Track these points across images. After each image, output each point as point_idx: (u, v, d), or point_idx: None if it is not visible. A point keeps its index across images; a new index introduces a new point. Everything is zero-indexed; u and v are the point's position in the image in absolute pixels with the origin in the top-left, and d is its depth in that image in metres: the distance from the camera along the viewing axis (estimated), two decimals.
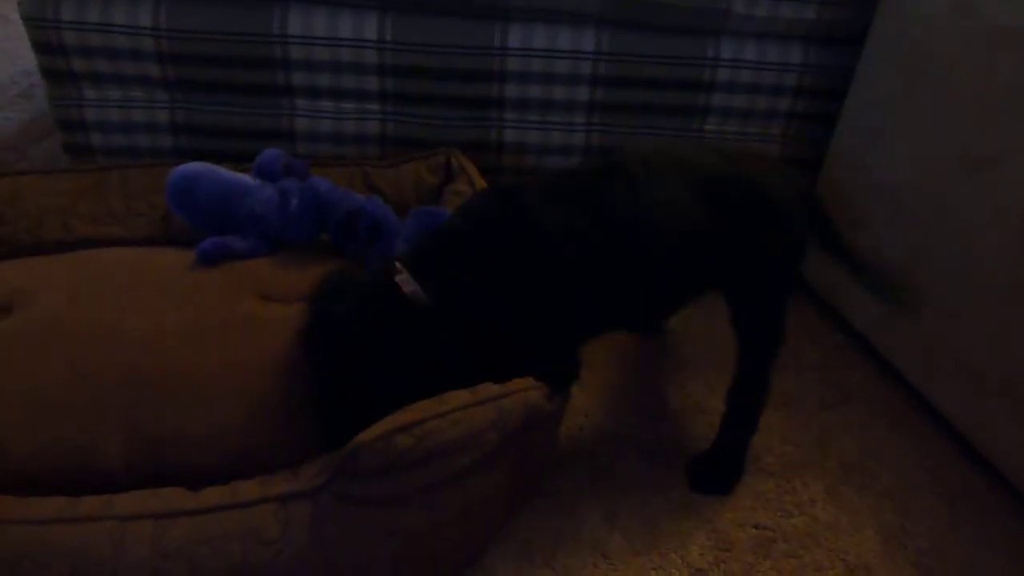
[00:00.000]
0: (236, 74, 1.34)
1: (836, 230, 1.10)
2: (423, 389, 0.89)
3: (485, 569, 0.98)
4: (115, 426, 0.91)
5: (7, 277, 1.04)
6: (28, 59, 1.76)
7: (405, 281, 0.91)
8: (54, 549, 0.79)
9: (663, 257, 0.97)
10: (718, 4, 1.31)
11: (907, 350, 1.26)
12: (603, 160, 1.01)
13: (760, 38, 1.37)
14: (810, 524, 1.07)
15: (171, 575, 0.80)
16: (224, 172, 1.16)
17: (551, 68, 1.36)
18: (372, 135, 1.41)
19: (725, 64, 1.38)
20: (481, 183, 1.21)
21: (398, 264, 0.93)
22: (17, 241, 1.14)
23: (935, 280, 1.17)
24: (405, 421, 0.84)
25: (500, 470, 0.91)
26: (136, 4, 1.30)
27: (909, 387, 1.26)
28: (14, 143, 1.66)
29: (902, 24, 1.19)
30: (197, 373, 0.94)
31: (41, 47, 1.32)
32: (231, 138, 1.40)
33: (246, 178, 1.17)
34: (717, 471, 1.10)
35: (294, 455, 0.92)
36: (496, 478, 0.91)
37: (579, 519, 1.05)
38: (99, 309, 0.98)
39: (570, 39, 1.34)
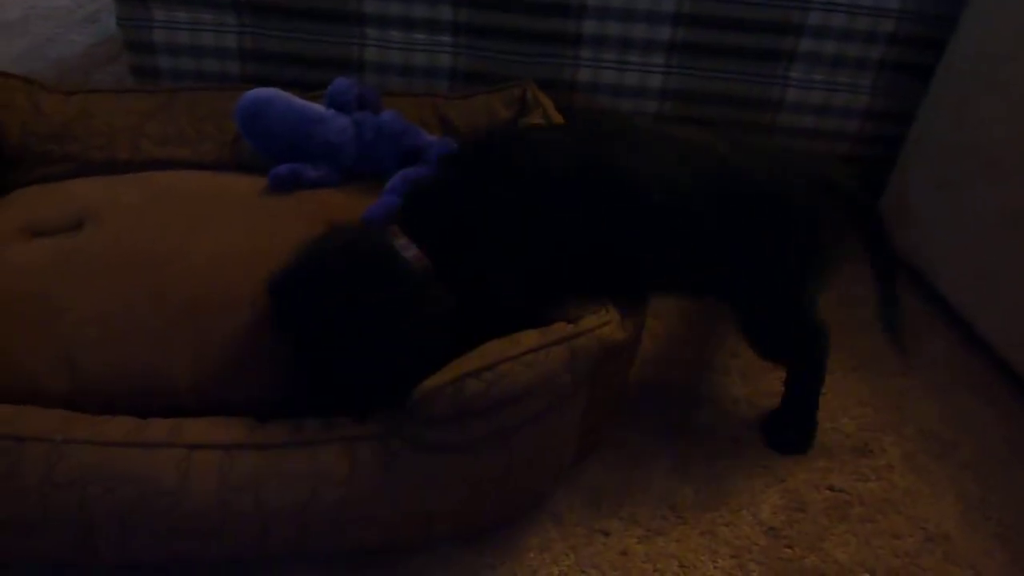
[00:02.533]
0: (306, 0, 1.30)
1: (884, 240, 1.02)
2: (428, 355, 0.83)
3: (553, 516, 0.96)
4: (184, 348, 0.89)
5: (79, 194, 1.03)
6: None
7: (405, 246, 0.86)
8: (121, 473, 0.78)
9: (656, 221, 0.91)
10: None
11: (994, 318, 1.20)
12: (599, 120, 0.95)
13: None
14: (887, 490, 1.03)
15: (238, 508, 0.79)
16: (296, 99, 1.13)
17: (632, 4, 1.30)
18: (443, 68, 1.37)
19: (817, 6, 1.30)
20: (557, 117, 1.16)
21: (394, 228, 0.87)
22: (88, 159, 1.13)
23: None
24: (475, 366, 0.81)
25: (573, 410, 0.88)
26: None
27: (993, 356, 1.20)
28: (79, 66, 1.65)
29: None
30: (264, 300, 0.91)
31: None
32: (299, 66, 1.37)
33: (319, 107, 1.14)
34: (792, 430, 1.06)
35: None
36: (569, 418, 0.89)
37: (648, 470, 1.02)
38: (169, 231, 0.96)
39: None
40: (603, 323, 0.86)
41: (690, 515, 0.98)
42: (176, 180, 1.07)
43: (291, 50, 1.36)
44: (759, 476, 1.03)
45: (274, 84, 1.18)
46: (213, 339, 0.90)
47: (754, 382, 1.15)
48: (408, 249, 0.86)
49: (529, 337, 0.85)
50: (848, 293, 1.17)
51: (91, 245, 0.96)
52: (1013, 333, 1.16)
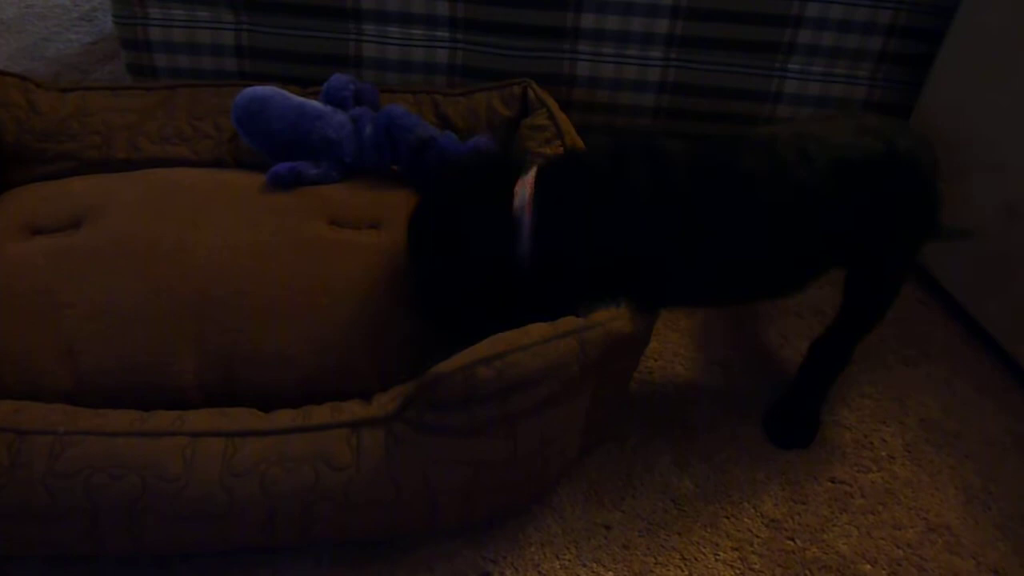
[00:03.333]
0: None
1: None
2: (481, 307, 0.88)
3: (554, 509, 0.96)
4: (188, 342, 0.89)
5: (77, 191, 1.03)
6: None
7: (520, 195, 0.88)
8: (125, 462, 0.78)
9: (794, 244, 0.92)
10: None
11: (997, 310, 1.19)
12: (750, 136, 0.95)
13: None
14: (889, 480, 1.03)
15: (242, 494, 0.79)
16: (294, 96, 1.13)
17: None
18: (441, 64, 1.36)
19: None
20: (563, 118, 1.16)
21: (529, 175, 0.89)
22: (85, 157, 1.12)
23: None
24: (486, 353, 0.81)
25: (579, 403, 0.88)
26: None
27: (997, 348, 1.20)
28: (77, 66, 1.64)
29: None
30: (267, 293, 0.92)
31: None
32: (296, 62, 1.36)
33: (317, 103, 1.14)
34: (795, 423, 1.06)
35: (365, 382, 0.90)
36: (574, 411, 0.89)
37: (649, 463, 1.02)
38: (170, 226, 0.96)
39: None
40: (614, 317, 0.86)
41: (692, 508, 0.98)
42: (175, 176, 1.07)
43: (288, 47, 1.35)
44: (760, 468, 1.03)
45: (272, 81, 1.18)
46: (217, 330, 0.90)
47: (754, 375, 1.15)
48: (520, 199, 0.88)
49: (539, 329, 0.85)
50: None
51: (91, 241, 0.96)
52: (1014, 324, 1.16)
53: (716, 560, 0.93)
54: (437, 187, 0.96)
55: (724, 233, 0.89)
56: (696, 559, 0.93)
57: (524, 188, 0.89)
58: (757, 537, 0.95)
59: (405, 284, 0.95)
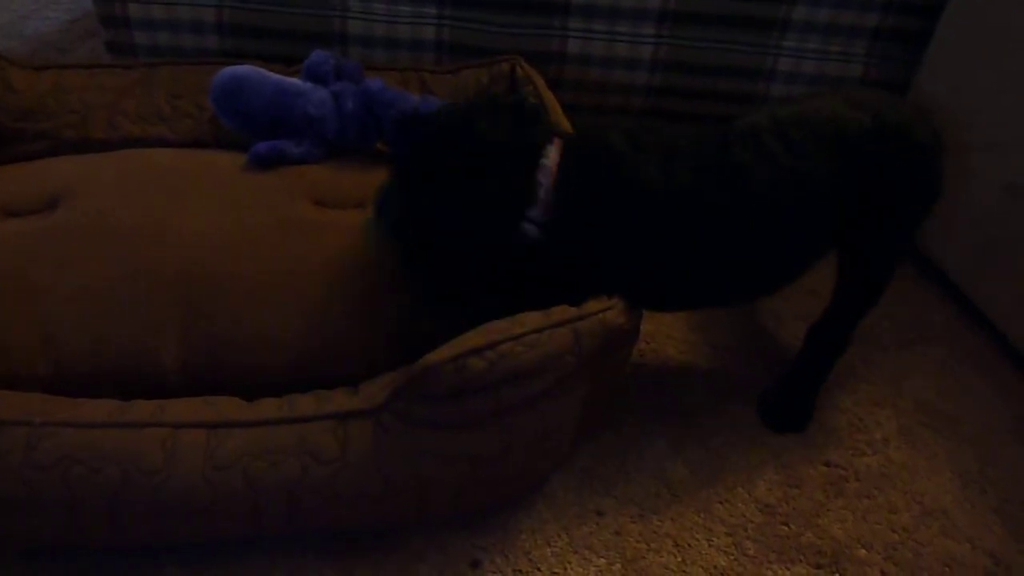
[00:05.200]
0: None
1: None
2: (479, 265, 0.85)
3: (546, 495, 0.95)
4: (170, 324, 0.87)
5: (54, 173, 0.99)
6: None
7: (551, 157, 0.85)
8: (104, 454, 0.76)
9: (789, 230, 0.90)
10: None
11: (995, 291, 1.18)
12: (733, 128, 0.91)
13: None
14: (884, 464, 1.01)
15: (225, 487, 0.77)
16: (273, 74, 1.10)
17: None
18: (428, 41, 1.33)
19: None
20: (549, 95, 1.13)
21: (556, 144, 0.86)
22: (61, 136, 1.09)
23: None
24: (478, 343, 0.79)
25: (574, 395, 0.86)
26: None
27: (991, 329, 1.18)
28: (56, 44, 1.61)
29: None
30: (251, 275, 0.89)
31: None
32: (280, 40, 1.33)
33: (297, 80, 1.11)
34: (790, 408, 1.05)
35: (352, 366, 0.88)
36: (569, 403, 0.87)
37: (642, 447, 1.00)
38: (150, 207, 0.94)
39: None
40: (607, 307, 0.84)
41: (685, 493, 0.96)
42: (154, 156, 1.04)
43: (271, 24, 1.32)
44: (754, 453, 1.01)
45: (254, 59, 1.15)
46: (201, 312, 0.88)
47: (748, 359, 1.13)
48: (544, 167, 0.85)
49: (532, 318, 0.83)
50: None
51: (68, 223, 0.93)
52: (1011, 306, 1.15)
53: (710, 546, 0.92)
54: (455, 115, 0.87)
55: (724, 229, 0.87)
56: (689, 545, 0.92)
57: (550, 156, 0.86)
58: (751, 522, 0.94)
59: (392, 261, 0.91)
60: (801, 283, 1.17)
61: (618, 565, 0.89)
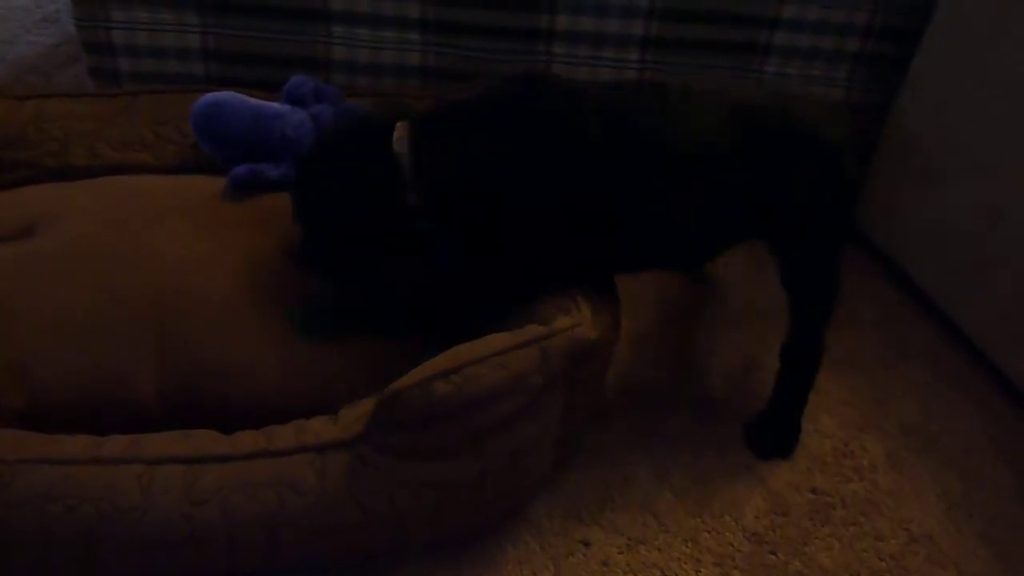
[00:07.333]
0: None
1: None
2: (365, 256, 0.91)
3: (531, 524, 0.94)
4: (146, 352, 0.86)
5: (30, 200, 0.99)
6: None
7: (398, 141, 0.88)
8: (79, 492, 0.75)
9: (687, 180, 0.90)
10: None
11: (974, 312, 1.19)
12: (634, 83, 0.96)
13: None
14: (870, 490, 1.01)
15: (203, 522, 0.76)
16: (251, 99, 1.11)
17: None
18: (412, 67, 1.33)
19: None
20: None
21: (400, 126, 0.89)
22: (42, 165, 1.09)
23: (1012, 241, 1.09)
24: (444, 366, 0.78)
25: (549, 414, 0.86)
26: None
27: (973, 348, 1.19)
28: (39, 68, 1.60)
29: None
30: (230, 304, 0.89)
31: None
32: (264, 65, 1.33)
33: (276, 104, 1.11)
34: (775, 433, 1.05)
35: (331, 394, 0.87)
36: (545, 423, 0.86)
37: (628, 475, 1.00)
38: (127, 234, 0.93)
39: None
40: (575, 324, 0.84)
41: (672, 522, 0.96)
42: (132, 182, 1.04)
43: (256, 50, 1.32)
44: (741, 479, 1.01)
45: (239, 85, 1.16)
46: (177, 340, 0.87)
47: (733, 382, 1.13)
48: (399, 145, 0.88)
49: (499, 339, 0.82)
50: None
51: (44, 249, 0.92)
52: (993, 327, 1.15)
53: None
54: (315, 146, 0.97)
55: (613, 179, 0.89)
56: None
57: (401, 129, 0.89)
58: (739, 552, 0.94)
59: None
60: (783, 306, 1.18)
61: None
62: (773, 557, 0.93)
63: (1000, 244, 1.10)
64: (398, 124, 0.90)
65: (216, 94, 1.09)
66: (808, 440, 1.06)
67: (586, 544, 0.93)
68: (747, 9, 1.29)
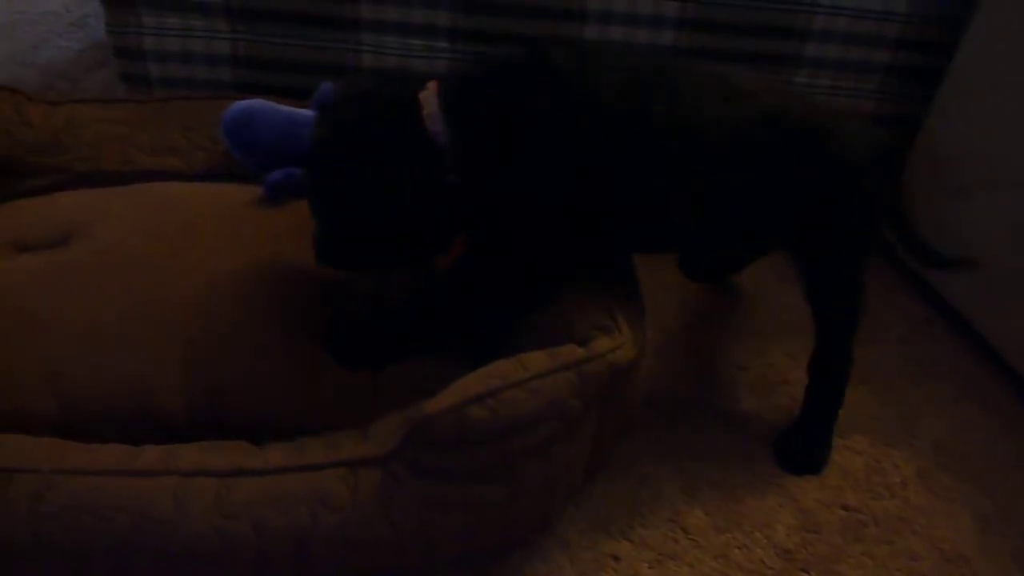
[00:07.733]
0: (301, 4, 1.28)
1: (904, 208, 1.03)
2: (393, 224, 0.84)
3: (560, 539, 0.93)
4: (176, 363, 0.86)
5: (65, 206, 0.99)
6: None
7: (429, 101, 0.83)
8: (114, 503, 0.74)
9: (711, 170, 0.89)
10: None
11: (1003, 328, 1.17)
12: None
13: None
14: (902, 508, 1.00)
15: (234, 536, 0.75)
16: (282, 107, 1.10)
17: (635, 8, 1.27)
18: (440, 74, 1.33)
19: (822, 10, 1.27)
20: None
21: (426, 98, 0.83)
22: (73, 170, 1.09)
23: None
24: (478, 391, 0.77)
25: (584, 435, 0.85)
26: None
27: (1002, 365, 1.17)
28: (68, 73, 1.61)
29: None
30: (262, 319, 0.89)
31: None
32: (293, 72, 1.33)
33: (307, 111, 1.11)
34: (806, 448, 1.03)
35: (360, 413, 0.87)
36: (580, 445, 0.85)
37: (656, 490, 0.99)
38: (160, 244, 0.93)
39: None
40: (616, 346, 0.83)
41: (702, 538, 0.95)
42: (166, 190, 1.04)
43: (285, 57, 1.32)
44: (772, 495, 1.00)
45: (268, 91, 1.16)
46: (202, 357, 0.87)
47: (762, 396, 1.12)
48: (430, 106, 0.83)
49: (535, 360, 0.81)
50: None
51: (79, 258, 0.92)
52: (1023, 344, 1.14)
53: None
54: (330, 128, 0.87)
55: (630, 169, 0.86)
56: None
57: (431, 102, 0.83)
58: (770, 569, 0.93)
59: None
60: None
61: None
62: (805, 575, 0.92)
63: None
64: (422, 96, 0.84)
65: (247, 102, 1.09)
66: (838, 455, 1.05)
67: (615, 559, 0.92)
68: (778, 20, 1.28)
